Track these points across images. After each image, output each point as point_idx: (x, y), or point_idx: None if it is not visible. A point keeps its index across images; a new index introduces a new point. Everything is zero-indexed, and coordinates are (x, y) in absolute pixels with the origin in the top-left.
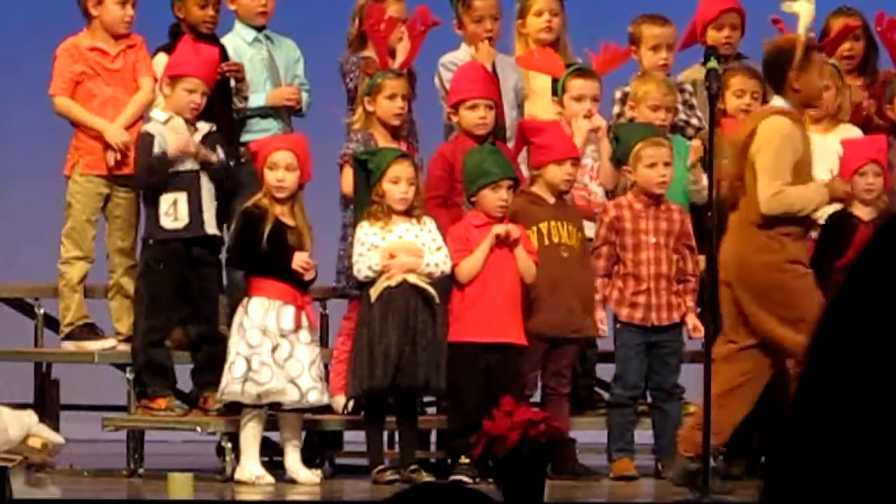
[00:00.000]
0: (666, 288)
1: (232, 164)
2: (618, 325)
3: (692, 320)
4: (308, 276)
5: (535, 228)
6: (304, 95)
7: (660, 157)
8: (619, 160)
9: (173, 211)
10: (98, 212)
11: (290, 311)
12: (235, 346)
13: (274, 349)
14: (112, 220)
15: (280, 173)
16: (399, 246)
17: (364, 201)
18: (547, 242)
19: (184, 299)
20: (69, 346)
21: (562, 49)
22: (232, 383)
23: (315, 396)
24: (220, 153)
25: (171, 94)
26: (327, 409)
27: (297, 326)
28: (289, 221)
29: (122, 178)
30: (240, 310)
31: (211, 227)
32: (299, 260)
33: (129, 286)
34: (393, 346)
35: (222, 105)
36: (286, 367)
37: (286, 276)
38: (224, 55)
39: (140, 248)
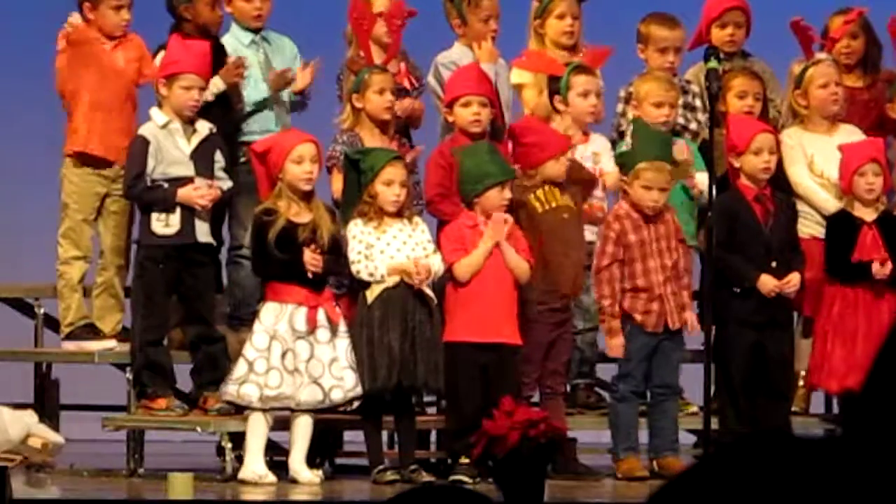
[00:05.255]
0: (672, 292)
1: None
2: (628, 327)
3: (691, 317)
4: (313, 269)
5: (532, 196)
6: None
7: (657, 183)
8: (622, 167)
9: (165, 217)
10: (95, 211)
11: (302, 312)
12: (245, 349)
13: (284, 353)
14: (108, 216)
15: (307, 165)
16: (406, 265)
17: (353, 201)
18: (547, 207)
19: (179, 299)
20: (69, 346)
21: (578, 52)
22: (230, 384)
23: (339, 395)
24: (227, 182)
25: (168, 94)
26: (328, 408)
27: (313, 327)
28: (302, 218)
29: (119, 173)
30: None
31: (203, 235)
32: (307, 259)
33: (118, 285)
34: (395, 346)
35: (222, 106)
36: (308, 368)
37: (299, 279)
38: (225, 55)
39: (133, 250)
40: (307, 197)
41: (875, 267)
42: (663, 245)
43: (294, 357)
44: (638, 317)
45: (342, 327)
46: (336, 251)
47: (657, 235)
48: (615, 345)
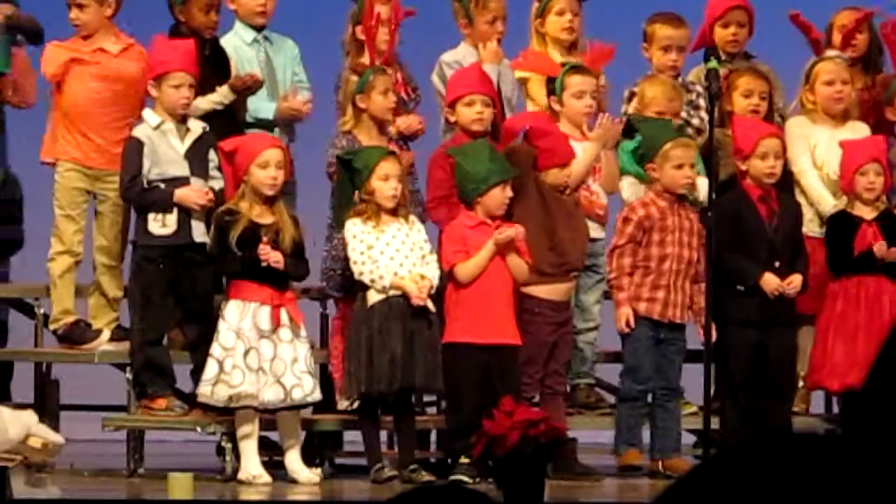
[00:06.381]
0: (682, 286)
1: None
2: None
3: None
4: (272, 262)
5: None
6: (305, 94)
7: (687, 159)
8: (643, 158)
9: (161, 217)
10: (77, 206)
11: (266, 311)
12: (212, 349)
13: (247, 352)
14: (96, 216)
15: (272, 171)
16: (408, 281)
17: (346, 202)
18: (543, 188)
19: (177, 299)
20: (69, 346)
21: (579, 50)
22: (203, 385)
23: (299, 394)
24: (222, 181)
25: (158, 94)
26: (327, 408)
27: (276, 325)
28: (265, 220)
29: (104, 173)
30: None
31: (199, 235)
32: (261, 251)
33: (106, 285)
34: (398, 350)
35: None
36: (272, 367)
37: (262, 277)
38: (224, 56)
39: (130, 250)
40: (270, 200)
41: (877, 247)
42: (685, 239)
43: (258, 356)
44: (642, 305)
45: (303, 331)
46: (297, 256)
47: (680, 226)
48: (621, 314)
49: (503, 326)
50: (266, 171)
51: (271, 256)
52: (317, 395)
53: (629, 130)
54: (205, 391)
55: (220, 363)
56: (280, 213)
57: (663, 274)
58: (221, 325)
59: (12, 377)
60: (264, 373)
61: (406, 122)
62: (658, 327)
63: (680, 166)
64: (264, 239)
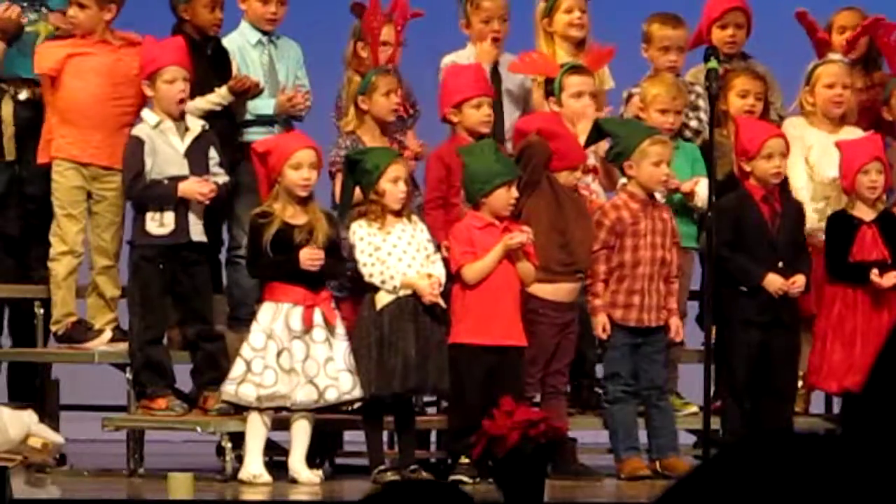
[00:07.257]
0: (656, 289)
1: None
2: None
3: (675, 322)
4: (315, 268)
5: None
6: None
7: (665, 156)
8: (619, 156)
9: (159, 216)
10: (79, 205)
11: (298, 311)
12: (242, 349)
13: (280, 353)
14: (92, 216)
15: (305, 172)
16: (419, 279)
17: (350, 202)
18: (557, 186)
19: (175, 298)
20: (69, 346)
21: (586, 49)
22: (227, 384)
23: (334, 394)
24: (224, 176)
25: (154, 92)
26: (328, 408)
27: (309, 326)
28: (298, 220)
29: (102, 173)
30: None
31: (196, 234)
32: (305, 257)
33: (104, 285)
34: (412, 351)
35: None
36: (304, 367)
37: (296, 278)
38: (226, 57)
39: (128, 251)
40: (304, 201)
41: (873, 277)
42: (658, 241)
43: (290, 357)
44: (618, 312)
45: (339, 329)
46: (333, 254)
47: (653, 229)
48: (597, 322)
49: (509, 328)
50: (299, 172)
51: (314, 257)
52: (356, 393)
53: (598, 134)
54: (229, 390)
55: (248, 363)
56: (314, 212)
57: (637, 279)
58: (254, 325)
59: (37, 377)
60: (296, 373)
61: (411, 143)
62: (634, 333)
63: (658, 163)
64: (313, 247)
